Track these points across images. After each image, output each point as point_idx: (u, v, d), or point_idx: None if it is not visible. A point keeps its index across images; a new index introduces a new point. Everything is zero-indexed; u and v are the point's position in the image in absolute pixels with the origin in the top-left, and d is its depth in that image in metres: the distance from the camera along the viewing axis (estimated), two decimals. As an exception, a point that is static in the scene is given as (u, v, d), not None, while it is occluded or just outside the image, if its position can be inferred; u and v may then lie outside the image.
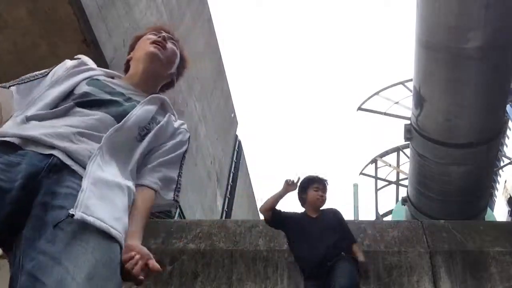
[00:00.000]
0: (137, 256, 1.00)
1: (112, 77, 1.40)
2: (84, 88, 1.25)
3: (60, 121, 1.12)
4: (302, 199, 3.11)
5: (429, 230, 3.70)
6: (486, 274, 3.34)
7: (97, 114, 1.17)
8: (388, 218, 9.75)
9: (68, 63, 1.35)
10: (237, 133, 10.75)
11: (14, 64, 3.81)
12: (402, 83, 9.11)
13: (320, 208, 3.05)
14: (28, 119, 1.11)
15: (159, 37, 1.41)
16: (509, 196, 10.48)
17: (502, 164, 10.26)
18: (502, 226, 4.06)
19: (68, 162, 1.02)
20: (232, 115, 10.12)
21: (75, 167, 1.03)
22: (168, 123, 1.34)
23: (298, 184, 3.04)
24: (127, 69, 1.47)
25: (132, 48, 1.48)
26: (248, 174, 12.04)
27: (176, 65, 1.49)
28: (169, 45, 1.43)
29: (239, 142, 10.77)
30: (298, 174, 3.15)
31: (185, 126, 1.43)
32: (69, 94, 1.23)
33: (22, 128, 1.07)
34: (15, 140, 1.03)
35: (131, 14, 4.79)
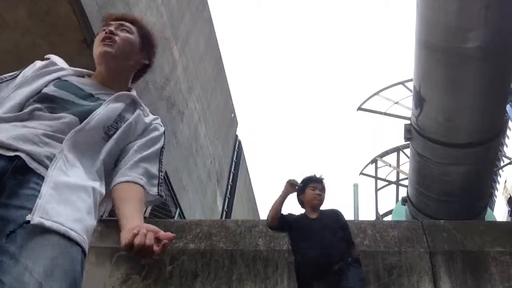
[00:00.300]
0: (143, 230, 0.95)
1: (83, 76, 1.38)
2: (51, 89, 1.23)
3: (26, 123, 1.12)
4: (301, 200, 3.10)
5: (429, 230, 3.70)
6: (486, 274, 3.34)
7: (63, 117, 1.16)
8: (388, 218, 9.75)
9: (38, 63, 1.32)
10: (237, 133, 10.75)
11: (14, 64, 3.81)
12: (402, 83, 9.10)
13: (320, 208, 3.04)
14: None
15: (106, 32, 1.33)
16: (509, 196, 10.48)
17: (502, 164, 10.26)
18: (502, 226, 4.06)
19: (33, 165, 1.03)
20: (232, 115, 10.12)
21: (40, 169, 1.03)
22: (137, 119, 1.32)
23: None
24: None
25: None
26: (248, 174, 12.04)
27: (135, 50, 1.39)
28: (120, 35, 1.34)
29: (239, 142, 10.77)
30: (300, 177, 3.14)
31: (158, 121, 1.43)
32: (36, 95, 1.21)
33: None
34: None
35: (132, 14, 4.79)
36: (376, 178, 10.52)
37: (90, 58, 1.45)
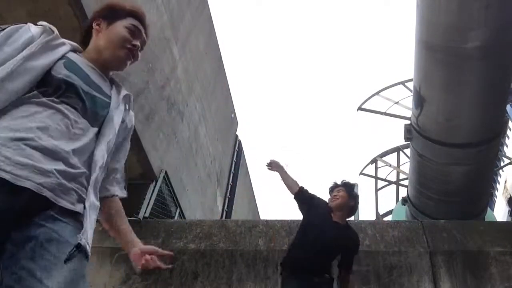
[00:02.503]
0: (147, 257, 1.29)
1: (77, 52, 1.31)
2: (63, 72, 1.14)
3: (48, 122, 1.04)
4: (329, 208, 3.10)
5: (429, 230, 3.70)
6: (486, 274, 3.34)
7: (87, 131, 1.13)
8: (388, 218, 9.74)
9: (33, 29, 1.17)
10: (237, 133, 10.75)
11: (14, 64, 3.81)
12: (402, 83, 9.10)
13: (346, 218, 2.99)
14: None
15: (135, 45, 1.34)
16: (509, 196, 10.47)
17: (502, 164, 10.25)
18: (502, 226, 4.06)
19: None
20: (232, 115, 10.12)
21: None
22: (127, 121, 1.37)
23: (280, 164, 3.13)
24: (87, 34, 1.36)
25: (104, 17, 1.35)
26: (248, 174, 12.04)
27: None
28: (138, 55, 1.40)
29: (239, 142, 10.77)
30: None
31: (133, 123, 1.44)
32: (46, 75, 1.10)
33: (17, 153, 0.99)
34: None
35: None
36: (376, 178, 10.51)
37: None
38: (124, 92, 1.35)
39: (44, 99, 1.07)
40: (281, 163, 3.11)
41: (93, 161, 1.12)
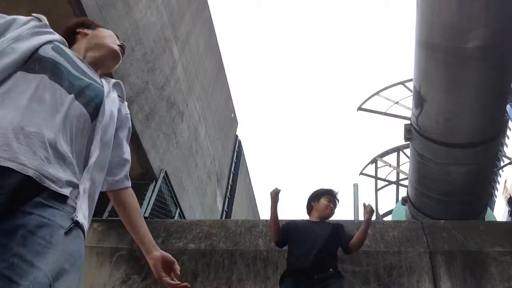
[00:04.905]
0: (174, 281, 1.34)
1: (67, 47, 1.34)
2: (50, 53, 1.17)
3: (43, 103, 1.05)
4: (311, 206, 3.09)
5: (429, 230, 3.70)
6: (486, 274, 3.34)
7: (76, 106, 1.12)
8: (388, 218, 9.74)
9: (31, 22, 1.24)
10: (237, 133, 10.75)
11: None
12: (402, 83, 9.10)
13: (326, 220, 3.03)
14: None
15: (120, 46, 1.47)
16: (509, 196, 10.48)
17: (502, 164, 10.25)
18: (502, 226, 4.06)
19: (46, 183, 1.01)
20: (232, 115, 10.13)
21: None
22: (122, 110, 1.38)
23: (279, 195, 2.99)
24: (70, 37, 1.42)
25: (85, 25, 1.47)
26: (248, 174, 12.05)
27: None
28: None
29: (239, 142, 10.78)
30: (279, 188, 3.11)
31: (128, 112, 1.45)
32: (33, 53, 1.13)
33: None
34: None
35: (131, 14, 4.79)
36: (376, 178, 10.51)
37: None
38: (113, 80, 1.37)
39: (30, 75, 1.08)
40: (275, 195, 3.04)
41: (91, 148, 1.13)
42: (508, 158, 10.04)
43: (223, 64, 8.98)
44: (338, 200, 3.12)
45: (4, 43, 1.09)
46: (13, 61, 1.07)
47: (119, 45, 1.46)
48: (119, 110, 1.34)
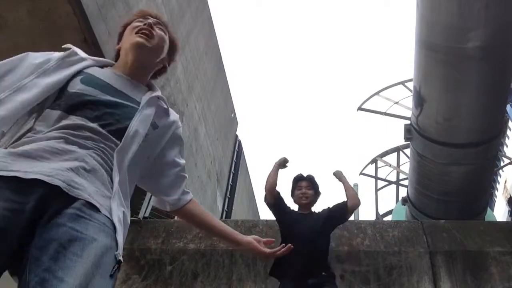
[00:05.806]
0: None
1: (103, 66, 1.31)
2: (78, 86, 1.14)
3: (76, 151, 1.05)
4: (293, 201, 3.09)
5: (429, 230, 3.70)
6: (486, 274, 3.34)
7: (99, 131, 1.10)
8: (388, 218, 9.74)
9: (56, 54, 1.21)
10: (237, 133, 10.75)
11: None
12: (402, 83, 9.11)
13: (311, 208, 3.00)
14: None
15: (145, 24, 1.31)
16: (509, 196, 10.47)
17: (502, 164, 10.25)
18: (502, 226, 4.05)
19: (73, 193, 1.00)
20: (232, 115, 10.13)
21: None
22: (167, 126, 1.32)
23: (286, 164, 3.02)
24: (117, 58, 1.38)
25: (120, 36, 1.39)
26: (248, 174, 12.04)
27: (165, 51, 1.39)
28: (156, 31, 1.33)
29: (239, 142, 10.77)
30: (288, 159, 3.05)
31: (179, 122, 1.41)
32: (62, 87, 1.13)
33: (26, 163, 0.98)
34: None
35: (131, 14, 4.79)
36: (376, 178, 10.52)
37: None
38: (155, 94, 1.30)
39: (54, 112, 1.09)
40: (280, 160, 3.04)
41: (118, 162, 1.10)
42: (508, 158, 10.04)
43: (223, 64, 8.98)
44: (311, 179, 3.04)
45: (28, 80, 1.08)
46: (35, 94, 1.06)
47: (140, 29, 1.30)
48: (157, 126, 1.26)
